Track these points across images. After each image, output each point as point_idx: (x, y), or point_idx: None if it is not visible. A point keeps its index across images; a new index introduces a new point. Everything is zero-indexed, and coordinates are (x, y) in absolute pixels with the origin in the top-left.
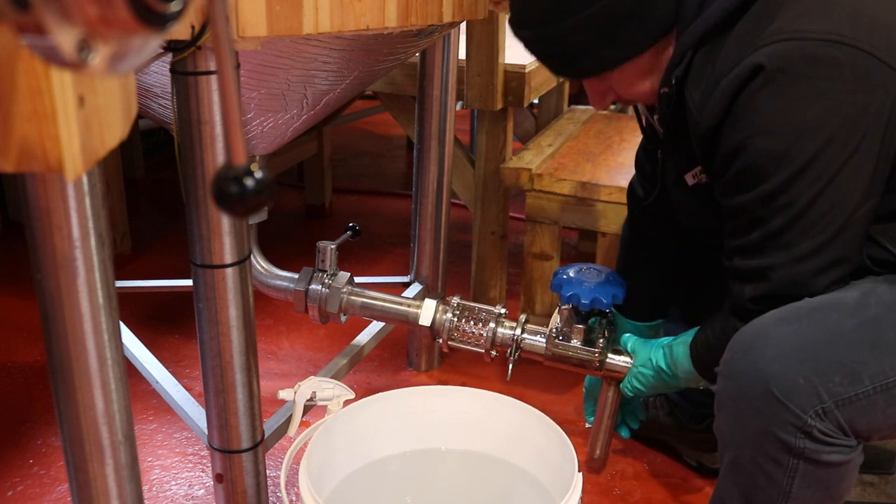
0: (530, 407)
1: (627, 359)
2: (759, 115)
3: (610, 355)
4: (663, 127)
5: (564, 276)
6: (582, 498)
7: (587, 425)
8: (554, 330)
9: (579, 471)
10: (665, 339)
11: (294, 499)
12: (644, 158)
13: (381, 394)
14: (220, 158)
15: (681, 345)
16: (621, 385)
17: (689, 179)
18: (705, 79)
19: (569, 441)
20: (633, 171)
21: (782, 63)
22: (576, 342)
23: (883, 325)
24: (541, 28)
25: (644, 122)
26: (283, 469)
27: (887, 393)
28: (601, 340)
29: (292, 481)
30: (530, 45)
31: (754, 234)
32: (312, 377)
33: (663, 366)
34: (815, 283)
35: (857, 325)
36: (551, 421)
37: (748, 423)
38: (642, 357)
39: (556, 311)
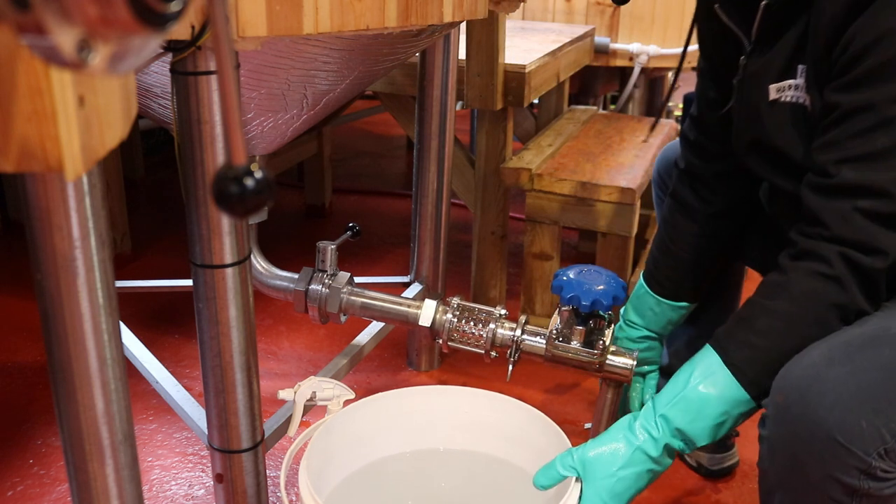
0: (530, 406)
1: (628, 360)
2: None
3: (610, 357)
4: (762, 22)
5: (565, 278)
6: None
7: (586, 426)
8: (554, 331)
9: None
10: (625, 426)
11: (294, 499)
12: (704, 93)
13: (380, 394)
14: (220, 158)
15: (690, 384)
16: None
17: (773, 93)
18: None
19: (568, 441)
20: (632, 171)
21: None
22: (576, 343)
23: None
24: None
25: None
26: (283, 469)
27: None
28: (601, 342)
29: (292, 481)
30: None
31: (880, 138)
32: (312, 377)
33: (663, 440)
34: None
35: None
36: (551, 421)
37: (809, 470)
38: (619, 451)
39: (557, 312)
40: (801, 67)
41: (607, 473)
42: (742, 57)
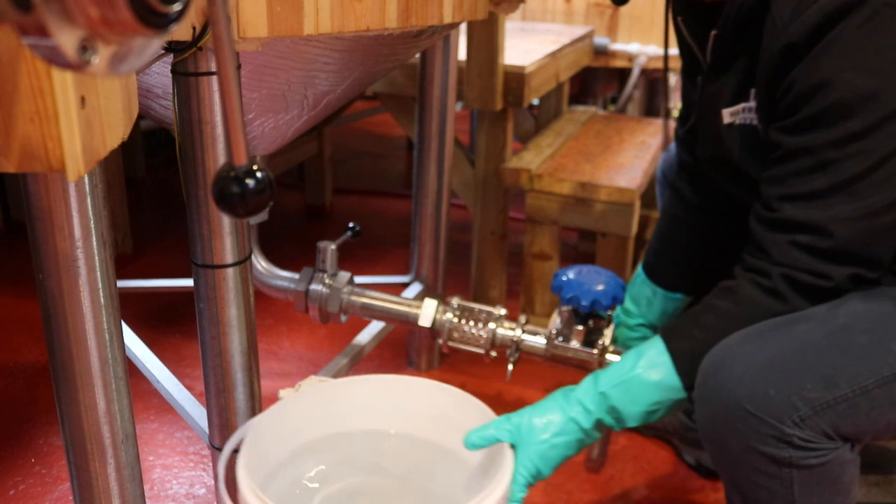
0: (461, 391)
1: None
2: (857, 48)
3: (609, 356)
4: (714, 49)
5: (564, 278)
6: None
7: None
8: (553, 331)
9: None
10: (561, 395)
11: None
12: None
13: (319, 384)
14: (221, 159)
15: (632, 366)
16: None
17: (727, 117)
18: None
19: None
20: (632, 172)
21: None
22: (575, 343)
23: (855, 332)
24: None
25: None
26: (222, 460)
27: (868, 395)
28: (601, 342)
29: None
30: None
31: (818, 179)
32: (313, 377)
33: (595, 414)
34: (880, 244)
35: (826, 334)
36: (484, 405)
37: (731, 444)
38: (554, 420)
39: (556, 312)
40: (753, 91)
41: (540, 440)
42: (699, 77)
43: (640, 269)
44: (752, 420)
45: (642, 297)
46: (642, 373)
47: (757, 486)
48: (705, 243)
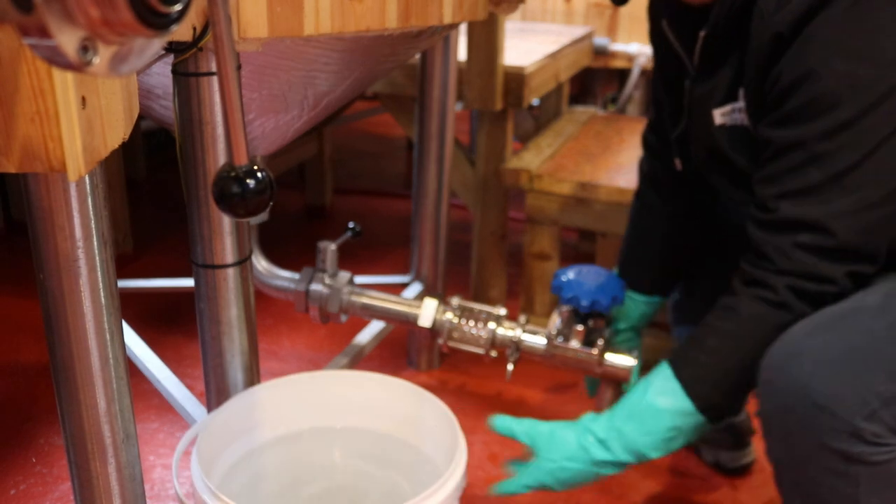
0: (422, 389)
1: (627, 359)
2: (841, 36)
3: (608, 356)
4: (703, 49)
5: (564, 278)
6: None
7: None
8: (553, 331)
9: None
10: (582, 427)
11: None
12: (660, 99)
13: (277, 380)
14: (221, 159)
15: (642, 396)
16: (502, 489)
17: (718, 117)
18: None
19: (456, 421)
20: (632, 172)
21: None
22: (575, 343)
23: None
24: None
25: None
26: (175, 458)
27: None
28: (600, 341)
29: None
30: None
31: (812, 174)
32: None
33: (610, 447)
34: (879, 238)
35: (888, 325)
36: (443, 404)
37: (799, 440)
38: (559, 449)
39: (556, 312)
40: (741, 91)
41: (551, 458)
42: (686, 81)
43: None
44: (824, 415)
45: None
46: (653, 401)
47: (821, 486)
48: (677, 248)
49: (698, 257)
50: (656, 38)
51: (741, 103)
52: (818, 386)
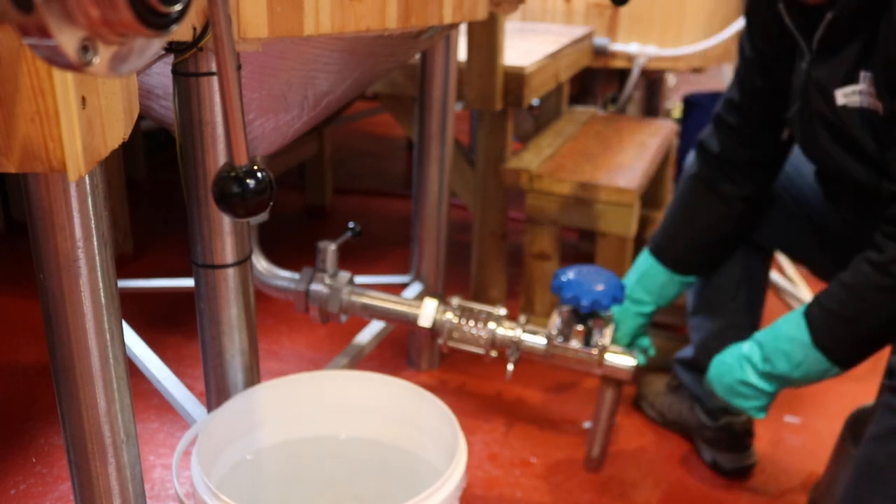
0: (424, 391)
1: (627, 359)
2: None
3: (608, 356)
4: (826, 33)
5: (564, 278)
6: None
7: (585, 425)
8: (554, 331)
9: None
10: (738, 347)
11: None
12: (750, 82)
13: (279, 379)
14: (221, 159)
15: (783, 322)
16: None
17: (840, 98)
18: None
19: (458, 426)
20: (632, 172)
21: None
22: (575, 343)
23: None
24: None
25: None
26: (175, 458)
27: None
28: (600, 342)
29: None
30: None
31: None
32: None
33: (754, 358)
34: None
35: None
36: (443, 404)
37: None
38: (719, 360)
39: (556, 311)
40: (863, 74)
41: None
42: (803, 63)
43: (645, 256)
44: None
45: (656, 283)
46: (782, 327)
47: None
48: (733, 231)
49: (755, 261)
50: (761, 17)
51: (861, 86)
52: None
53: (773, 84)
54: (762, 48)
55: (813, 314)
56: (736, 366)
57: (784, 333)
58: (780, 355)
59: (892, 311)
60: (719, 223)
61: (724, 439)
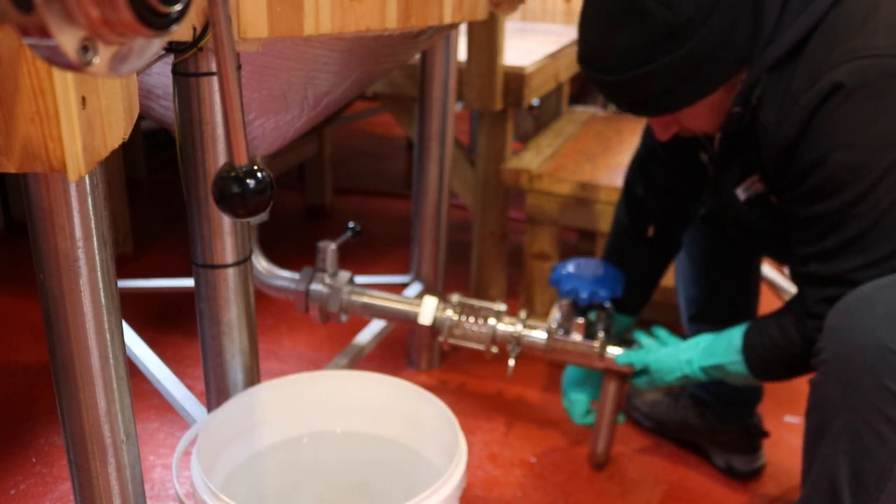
0: (423, 390)
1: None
2: (839, 129)
3: (610, 348)
4: (721, 146)
5: (563, 271)
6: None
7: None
8: (554, 324)
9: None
10: (685, 360)
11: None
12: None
13: (279, 379)
14: (221, 159)
15: (724, 355)
16: (634, 380)
17: (741, 194)
18: (779, 99)
19: (458, 425)
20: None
21: (861, 80)
22: (576, 336)
23: None
24: (622, 73)
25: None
26: (175, 458)
27: None
28: (601, 333)
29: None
30: (606, 88)
31: (829, 240)
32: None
33: (699, 378)
34: None
35: None
36: (443, 404)
37: (862, 382)
38: (663, 367)
39: (556, 306)
40: (757, 172)
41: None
42: (710, 166)
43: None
44: (892, 357)
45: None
46: (726, 363)
47: (870, 432)
48: (659, 271)
49: (746, 280)
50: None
51: (755, 177)
52: (887, 329)
53: (692, 174)
54: (671, 144)
55: (751, 359)
56: (674, 379)
57: (730, 371)
58: (727, 380)
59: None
60: (650, 265)
61: (740, 441)
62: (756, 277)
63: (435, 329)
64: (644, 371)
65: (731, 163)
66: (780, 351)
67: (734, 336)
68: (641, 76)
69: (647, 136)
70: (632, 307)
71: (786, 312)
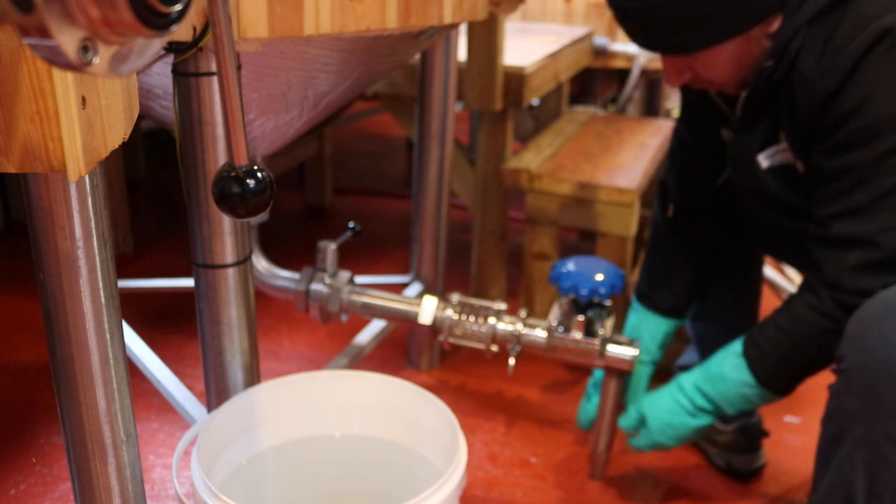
0: (424, 390)
1: (629, 349)
2: (883, 76)
3: (610, 346)
4: (745, 107)
5: (563, 269)
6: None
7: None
8: (554, 322)
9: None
10: (676, 386)
11: (184, 481)
12: (686, 140)
13: (279, 379)
14: (222, 159)
15: (721, 364)
16: (635, 445)
17: (764, 161)
18: (820, 48)
19: (458, 426)
20: (632, 172)
21: None
22: (576, 334)
23: None
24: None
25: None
26: (175, 458)
27: None
28: (601, 331)
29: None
30: (628, 17)
31: (859, 195)
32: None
33: (698, 402)
34: None
35: None
36: (443, 403)
37: (883, 393)
38: (660, 411)
39: (556, 304)
40: (782, 133)
41: (656, 418)
42: (728, 132)
43: (633, 307)
44: None
45: (646, 331)
46: (725, 372)
47: (890, 443)
48: (700, 270)
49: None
50: (693, 93)
51: (782, 144)
52: None
53: (713, 149)
54: (692, 116)
55: (753, 357)
56: (678, 423)
57: (729, 377)
58: (729, 398)
59: (832, 348)
60: (690, 263)
61: (740, 441)
62: (757, 278)
63: (435, 328)
64: (642, 423)
65: (755, 125)
66: (789, 337)
67: (733, 343)
68: (665, 4)
69: (677, 129)
70: (665, 307)
71: (794, 298)
